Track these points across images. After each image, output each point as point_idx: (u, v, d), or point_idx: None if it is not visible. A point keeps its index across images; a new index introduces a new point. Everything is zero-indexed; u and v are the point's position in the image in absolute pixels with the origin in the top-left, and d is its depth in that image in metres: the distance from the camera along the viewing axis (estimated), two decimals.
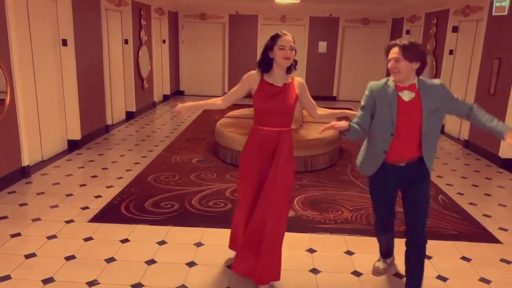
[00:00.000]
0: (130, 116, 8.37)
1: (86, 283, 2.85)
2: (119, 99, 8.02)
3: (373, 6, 10.94)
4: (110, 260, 3.15)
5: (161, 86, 10.64)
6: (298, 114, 5.98)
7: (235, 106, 9.81)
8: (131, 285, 2.84)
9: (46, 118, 5.49)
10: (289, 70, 2.65)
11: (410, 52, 2.30)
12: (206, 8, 11.37)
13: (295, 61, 2.64)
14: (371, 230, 3.77)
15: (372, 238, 3.64)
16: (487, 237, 3.79)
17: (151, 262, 3.14)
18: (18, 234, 3.49)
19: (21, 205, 4.09)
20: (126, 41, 8.02)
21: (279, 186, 2.61)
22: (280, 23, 11.47)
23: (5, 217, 3.80)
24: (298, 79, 2.74)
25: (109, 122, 7.26)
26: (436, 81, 2.47)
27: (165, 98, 10.83)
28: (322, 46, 11.59)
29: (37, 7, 5.17)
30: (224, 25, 11.56)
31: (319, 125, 6.08)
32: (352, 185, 5.01)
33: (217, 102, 2.81)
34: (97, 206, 4.11)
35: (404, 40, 2.33)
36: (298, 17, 11.41)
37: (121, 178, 4.93)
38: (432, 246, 3.53)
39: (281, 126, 2.63)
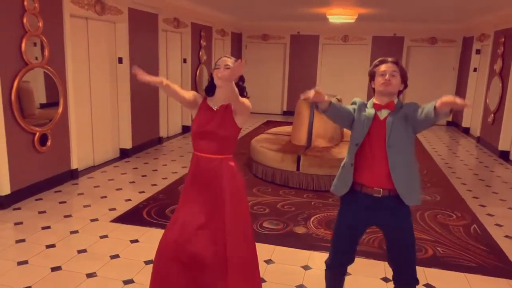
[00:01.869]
0: (186, 130, 8.89)
1: (86, 274, 3.14)
2: (175, 113, 8.58)
3: (441, 24, 10.43)
4: (115, 256, 3.43)
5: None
6: (334, 132, 5.93)
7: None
8: (124, 281, 3.07)
9: (99, 128, 6.10)
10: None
11: (403, 71, 2.31)
12: (268, 29, 11.74)
13: (242, 87, 2.44)
14: (377, 253, 3.63)
15: (375, 261, 3.51)
16: (510, 273, 3.42)
17: (149, 262, 3.35)
18: (48, 227, 3.94)
19: (60, 202, 4.60)
20: (184, 60, 8.60)
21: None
22: (341, 43, 11.43)
23: (44, 212, 4.30)
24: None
25: (162, 134, 7.79)
26: (411, 102, 2.33)
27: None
28: None
29: (96, 29, 5.83)
30: (285, 45, 11.81)
31: None
32: None
33: (179, 92, 2.40)
34: (123, 208, 4.47)
35: (395, 59, 2.30)
36: (360, 36, 11.27)
37: (155, 185, 5.29)
38: (437, 275, 3.31)
39: (216, 153, 2.37)
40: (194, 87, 8.95)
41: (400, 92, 2.32)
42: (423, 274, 3.33)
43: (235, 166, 2.44)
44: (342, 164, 2.39)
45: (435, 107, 1.98)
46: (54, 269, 3.20)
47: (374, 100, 2.31)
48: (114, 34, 6.23)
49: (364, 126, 2.23)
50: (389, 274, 3.25)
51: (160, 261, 2.39)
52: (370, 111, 2.26)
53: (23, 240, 3.66)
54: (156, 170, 6.04)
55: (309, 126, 5.90)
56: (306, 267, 3.38)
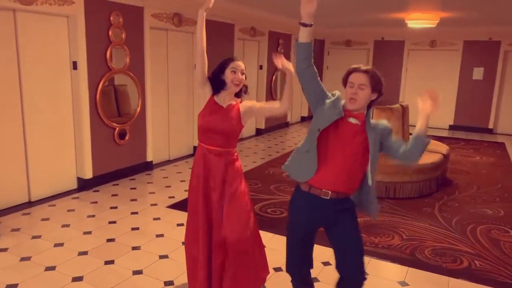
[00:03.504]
0: (259, 132, 9.36)
1: (132, 247, 3.70)
2: None
3: None
4: (160, 235, 3.96)
5: (300, 107, 11.41)
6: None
7: None
8: (160, 255, 3.55)
9: (175, 127, 6.83)
10: (238, 94, 2.67)
11: (377, 82, 2.17)
12: (352, 35, 11.70)
13: (246, 86, 2.66)
14: (404, 259, 3.61)
15: (397, 265, 3.51)
16: None
17: None
18: (115, 207, 4.64)
19: (131, 188, 5.33)
20: (261, 67, 9.08)
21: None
22: (429, 48, 10.91)
23: (116, 195, 5.06)
24: (246, 103, 2.68)
25: None
26: (384, 122, 2.29)
27: (303, 119, 11.55)
28: (478, 72, 10.46)
29: (175, 39, 6.57)
30: (369, 51, 11.64)
31: None
32: (429, 217, 4.68)
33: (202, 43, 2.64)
34: (181, 197, 5.03)
35: (369, 67, 2.21)
36: (450, 41, 10.63)
37: None
38: (461, 285, 3.20)
39: (221, 146, 2.61)
40: (270, 92, 9.38)
41: (373, 101, 2.23)
42: (447, 283, 3.26)
43: (237, 158, 2.73)
44: (299, 149, 2.32)
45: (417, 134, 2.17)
46: (109, 240, 3.83)
47: (345, 104, 2.24)
48: (192, 43, 6.93)
49: (330, 116, 2.18)
50: (408, 279, 3.28)
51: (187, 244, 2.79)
52: (340, 111, 2.20)
53: (93, 216, 4.40)
54: None
55: None
56: (326, 263, 3.52)
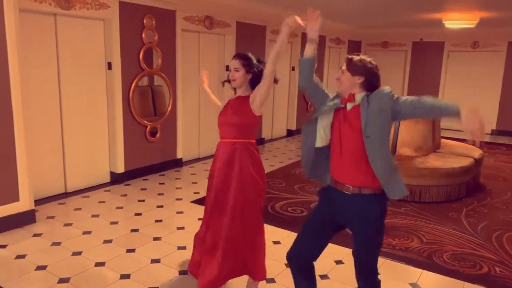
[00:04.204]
0: (290, 133, 9.43)
1: (153, 237, 3.90)
2: (281, 117, 9.18)
3: None
4: (181, 228, 4.14)
5: None
6: (423, 141, 5.72)
7: None
8: (178, 247, 3.73)
9: (205, 126, 7.04)
10: (253, 86, 2.75)
11: (354, 66, 2.27)
12: (389, 36, 11.50)
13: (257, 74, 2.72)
14: (420, 262, 3.57)
15: (410, 267, 3.48)
16: None
17: None
18: (143, 201, 4.89)
19: (160, 183, 5.58)
20: (293, 68, 9.14)
21: (234, 211, 2.74)
22: (470, 50, 10.53)
23: (145, 189, 5.32)
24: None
25: (265, 136, 8.46)
26: (382, 91, 2.26)
27: None
28: None
29: (206, 41, 6.79)
30: (406, 52, 11.38)
31: (452, 156, 5.65)
32: (454, 221, 4.57)
33: (215, 101, 3.20)
34: (205, 193, 5.18)
35: (355, 54, 2.35)
36: (493, 42, 10.20)
37: None
38: None
39: (236, 138, 2.75)
40: (302, 94, 9.41)
41: (365, 84, 2.26)
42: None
43: (253, 149, 2.80)
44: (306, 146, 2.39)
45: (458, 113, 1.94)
46: (133, 230, 4.06)
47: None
48: (224, 45, 7.12)
49: (330, 108, 2.29)
50: (421, 281, 3.25)
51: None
52: (336, 103, 2.31)
53: (121, 208, 4.66)
54: None
55: (395, 133, 5.82)
56: (338, 262, 3.55)
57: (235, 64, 2.72)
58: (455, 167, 5.27)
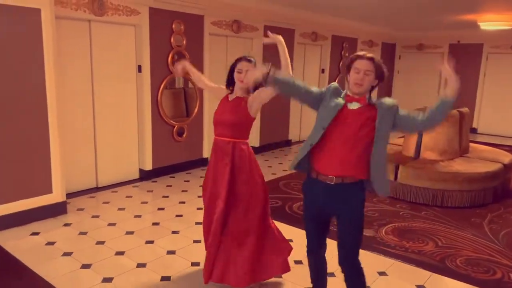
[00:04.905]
0: None
1: (172, 231, 4.12)
2: (310, 118, 9.22)
3: None
4: (199, 223, 4.32)
5: None
6: (448, 145, 5.62)
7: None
8: (194, 240, 3.92)
9: None
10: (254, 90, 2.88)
11: (380, 69, 2.35)
12: (425, 38, 11.26)
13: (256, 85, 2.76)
14: (431, 265, 3.56)
15: (419, 269, 3.47)
16: None
17: None
18: (167, 196, 5.14)
19: (185, 181, 5.82)
20: (323, 71, 9.18)
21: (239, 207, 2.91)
22: (510, 52, 10.10)
23: (170, 186, 5.58)
24: (256, 93, 2.87)
25: (292, 137, 8.56)
26: (390, 100, 2.39)
27: None
28: None
29: (234, 44, 6.98)
30: (443, 55, 11.07)
31: (479, 161, 5.52)
32: (475, 227, 4.49)
33: (204, 80, 3.24)
34: None
35: (373, 55, 2.37)
36: None
37: None
38: None
39: (230, 137, 2.88)
40: None
41: (373, 87, 2.39)
42: None
43: (247, 149, 2.95)
44: (305, 144, 2.53)
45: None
46: (154, 223, 4.30)
47: (347, 91, 2.42)
48: (251, 48, 7.29)
49: (331, 111, 2.36)
50: (428, 284, 3.26)
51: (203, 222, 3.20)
52: (341, 101, 2.38)
53: (146, 202, 4.94)
54: (270, 166, 6.83)
55: (418, 137, 5.75)
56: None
57: (248, 66, 2.86)
58: (481, 172, 5.15)
